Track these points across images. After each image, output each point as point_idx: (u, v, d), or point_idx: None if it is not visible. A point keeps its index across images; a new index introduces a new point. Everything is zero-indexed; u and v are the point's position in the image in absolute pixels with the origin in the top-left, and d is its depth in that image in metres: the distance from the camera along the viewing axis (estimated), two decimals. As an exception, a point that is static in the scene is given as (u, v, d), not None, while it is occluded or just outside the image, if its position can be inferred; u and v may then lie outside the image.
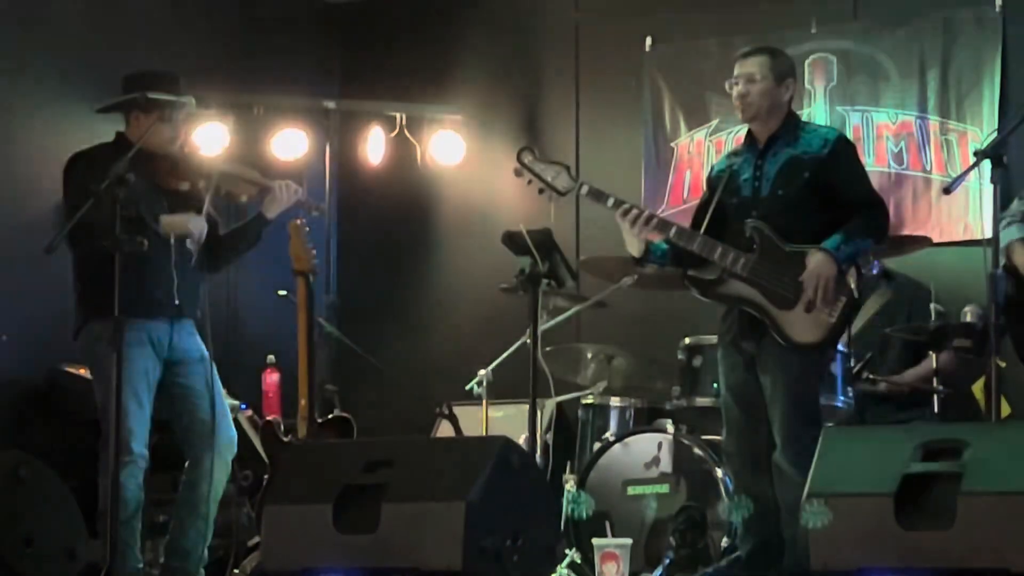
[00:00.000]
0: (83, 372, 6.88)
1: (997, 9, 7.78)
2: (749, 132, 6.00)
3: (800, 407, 5.73)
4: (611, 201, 5.83)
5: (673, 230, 5.82)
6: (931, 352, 6.75)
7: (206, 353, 6.25)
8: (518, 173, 5.90)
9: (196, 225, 6.14)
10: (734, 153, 6.06)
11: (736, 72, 5.94)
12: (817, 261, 5.66)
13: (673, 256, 5.93)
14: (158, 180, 6.23)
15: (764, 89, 5.87)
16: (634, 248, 5.88)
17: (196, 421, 6.21)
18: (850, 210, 5.75)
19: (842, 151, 5.85)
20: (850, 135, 7.97)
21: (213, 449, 6.18)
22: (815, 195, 5.77)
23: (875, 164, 7.99)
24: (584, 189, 5.86)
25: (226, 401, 6.42)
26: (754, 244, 5.78)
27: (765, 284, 5.74)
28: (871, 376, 6.92)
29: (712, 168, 6.22)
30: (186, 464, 6.26)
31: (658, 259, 5.97)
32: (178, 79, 6.33)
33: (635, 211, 5.80)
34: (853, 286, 5.72)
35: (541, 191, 5.90)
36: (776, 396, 5.76)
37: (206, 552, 6.27)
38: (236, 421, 6.54)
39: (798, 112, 7.90)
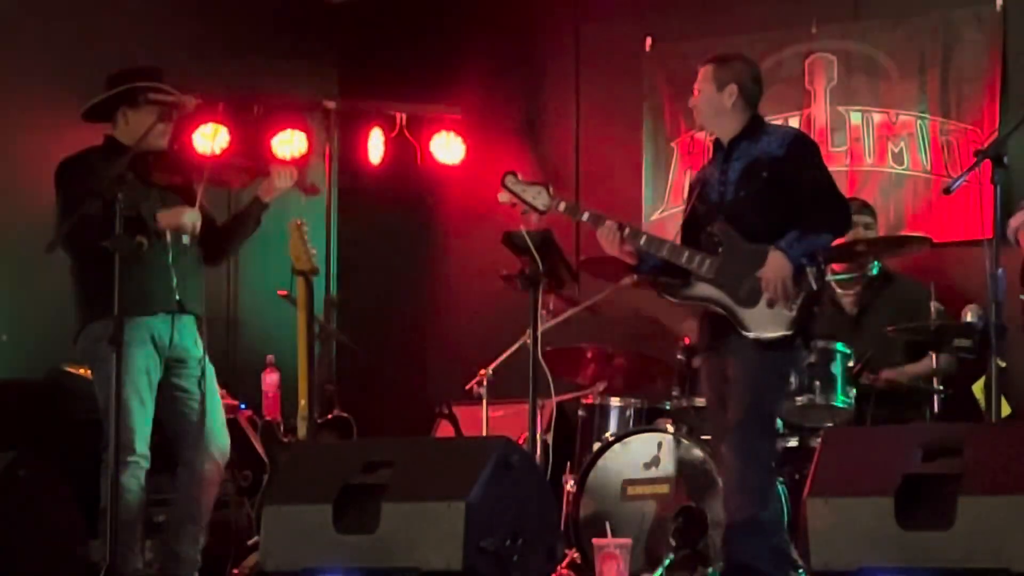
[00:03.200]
0: (83, 372, 6.88)
1: (997, 9, 7.78)
2: (717, 138, 6.07)
3: (753, 398, 5.77)
4: (585, 216, 5.99)
5: (643, 239, 5.93)
6: (931, 352, 6.76)
7: (203, 353, 6.25)
8: (503, 198, 6.11)
9: (190, 218, 6.15)
10: (710, 161, 6.12)
11: None
12: (772, 261, 5.74)
13: (663, 267, 5.98)
14: (152, 176, 6.22)
15: (706, 97, 6.01)
16: (624, 257, 5.98)
17: (189, 424, 6.21)
18: (809, 206, 5.79)
19: (799, 149, 5.89)
20: (850, 135, 8.00)
21: (204, 452, 6.18)
22: (775, 194, 5.83)
23: (875, 164, 7.99)
24: (561, 206, 6.06)
25: (221, 407, 6.39)
26: (719, 246, 5.84)
27: (729, 284, 5.82)
28: (870, 375, 6.92)
29: (695, 176, 6.29)
30: (178, 469, 6.25)
31: (649, 270, 6.03)
32: (161, 72, 6.32)
33: (607, 223, 5.92)
34: (812, 280, 5.75)
35: (524, 212, 6.10)
36: (735, 388, 5.84)
37: (199, 556, 6.27)
38: (235, 421, 6.54)
39: (800, 112, 8.04)
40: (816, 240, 5.79)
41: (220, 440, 6.27)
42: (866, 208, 7.42)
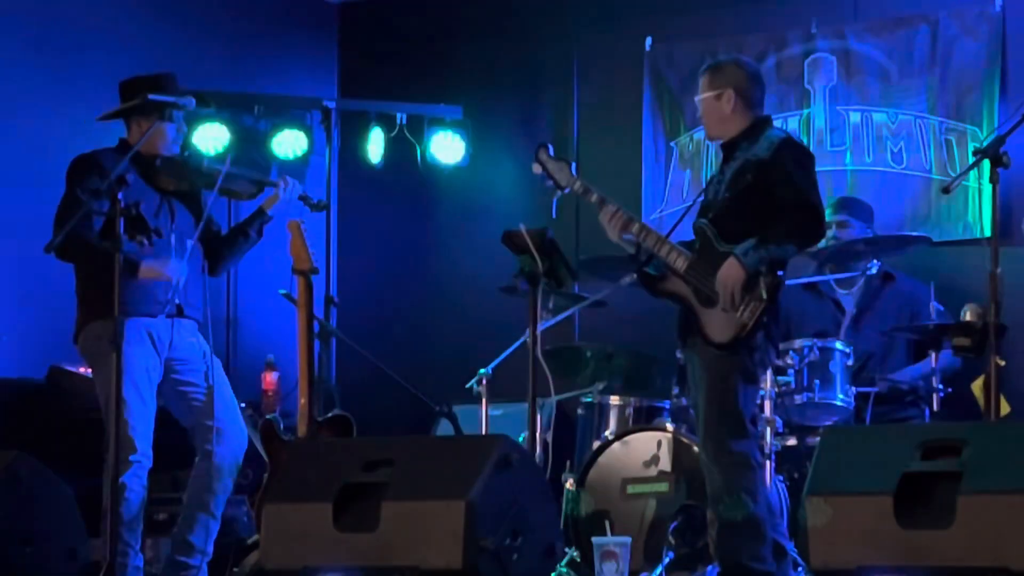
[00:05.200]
0: (83, 372, 6.88)
1: (997, 9, 7.78)
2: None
3: (718, 404, 5.79)
4: (594, 197, 6.03)
5: (636, 226, 5.96)
6: (931, 351, 6.76)
7: (208, 350, 6.27)
8: (536, 169, 6.15)
9: (174, 271, 6.15)
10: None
11: None
12: (726, 266, 5.77)
13: (651, 259, 6.00)
14: (159, 182, 6.25)
15: (707, 106, 6.04)
16: (623, 244, 6.02)
17: (202, 415, 6.22)
18: (780, 214, 5.80)
19: (783, 153, 5.87)
20: (850, 135, 8.00)
21: (222, 443, 6.20)
22: (757, 198, 5.84)
23: (875, 164, 7.99)
24: (577, 184, 6.10)
25: (234, 397, 6.43)
26: (696, 244, 5.88)
27: (697, 282, 5.86)
28: (872, 376, 6.92)
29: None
30: (196, 459, 6.27)
31: (643, 260, 6.05)
32: (175, 80, 6.34)
33: (610, 208, 5.95)
34: (763, 290, 5.75)
35: (548, 186, 6.16)
36: (699, 393, 5.88)
37: (210, 546, 6.29)
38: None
39: (800, 112, 8.05)
40: (777, 250, 5.77)
41: (237, 430, 6.29)
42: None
